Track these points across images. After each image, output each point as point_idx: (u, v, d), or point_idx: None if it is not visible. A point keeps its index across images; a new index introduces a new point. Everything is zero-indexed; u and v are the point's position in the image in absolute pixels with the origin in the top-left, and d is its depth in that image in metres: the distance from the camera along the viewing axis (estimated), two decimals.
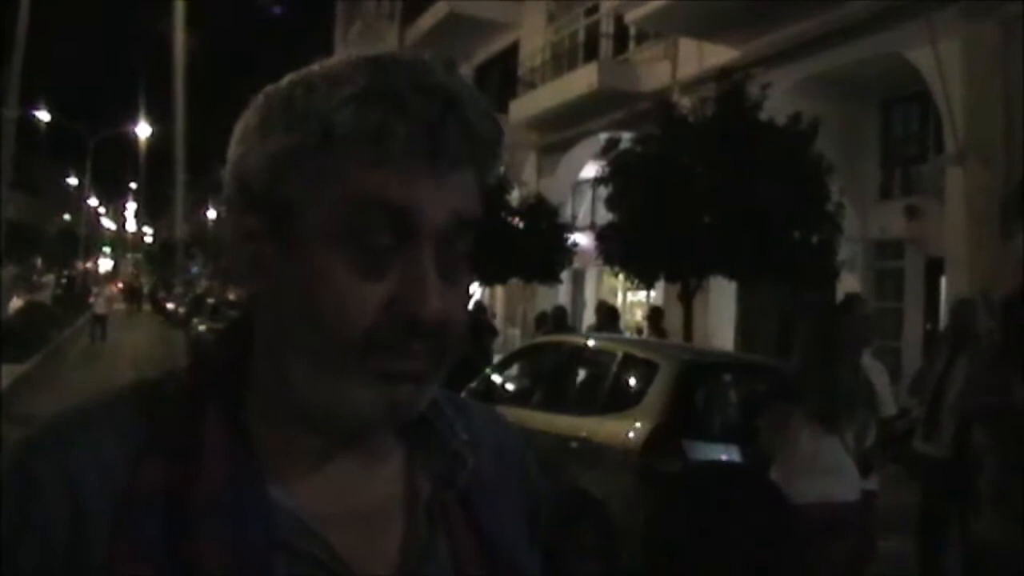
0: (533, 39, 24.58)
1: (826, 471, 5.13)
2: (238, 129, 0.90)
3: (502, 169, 0.97)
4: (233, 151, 0.90)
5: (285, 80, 0.89)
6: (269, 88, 0.90)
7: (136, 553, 0.82)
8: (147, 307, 62.76)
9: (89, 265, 74.67)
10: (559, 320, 13.11)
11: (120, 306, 53.89)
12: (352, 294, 0.84)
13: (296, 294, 0.86)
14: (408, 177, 0.84)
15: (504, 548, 0.99)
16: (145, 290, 73.52)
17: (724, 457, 6.48)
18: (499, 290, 23.30)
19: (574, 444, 6.95)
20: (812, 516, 4.98)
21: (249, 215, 0.89)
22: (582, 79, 19.77)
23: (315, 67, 0.89)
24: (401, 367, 0.86)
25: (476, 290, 19.70)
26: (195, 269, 79.35)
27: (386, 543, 0.93)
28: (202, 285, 63.60)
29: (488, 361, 10.56)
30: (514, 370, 9.40)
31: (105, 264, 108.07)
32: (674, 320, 12.93)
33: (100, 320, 29.19)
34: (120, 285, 77.01)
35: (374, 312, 0.84)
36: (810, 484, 5.07)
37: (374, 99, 0.83)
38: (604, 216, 13.79)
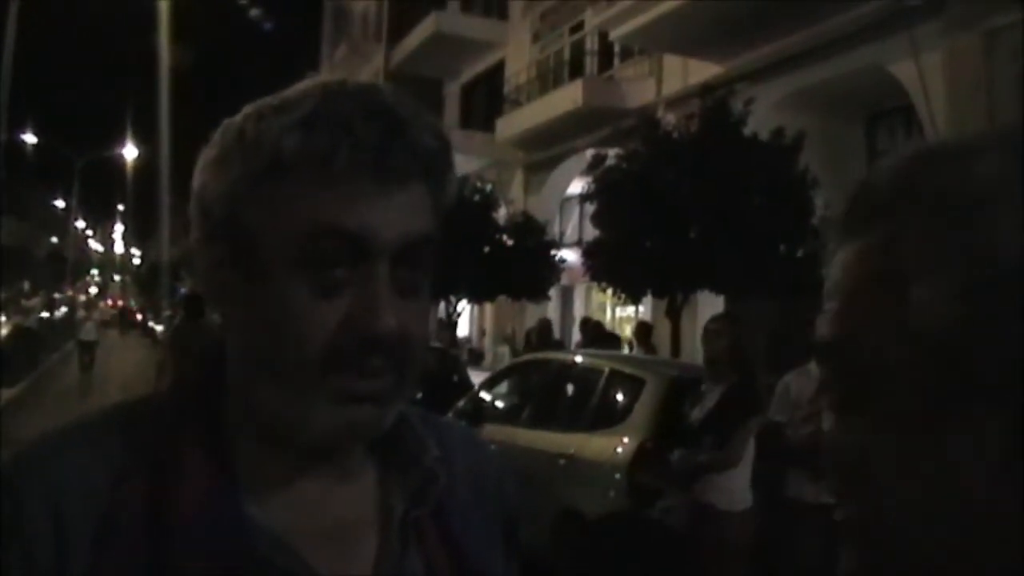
0: (518, 57, 24.63)
1: None
2: (200, 161, 0.93)
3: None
4: (195, 182, 0.92)
5: (241, 112, 0.91)
6: (227, 120, 0.92)
7: (116, 571, 0.84)
8: (135, 330, 62.37)
9: (73, 291, 74.02)
10: (544, 334, 13.04)
11: (113, 330, 53.55)
12: (309, 315, 0.86)
13: (259, 317, 0.88)
14: (356, 199, 0.86)
15: (478, 565, 1.01)
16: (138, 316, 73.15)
17: None
18: (488, 307, 23.30)
19: (562, 461, 6.96)
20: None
21: (213, 244, 0.91)
22: (567, 96, 19.78)
23: (269, 98, 0.91)
24: (361, 388, 0.87)
25: (464, 310, 19.64)
26: (183, 291, 78.69)
27: (360, 560, 0.95)
28: None
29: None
30: (503, 387, 9.39)
31: (93, 287, 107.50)
32: (663, 335, 12.93)
33: (88, 347, 26.58)
34: (113, 303, 76.34)
35: (331, 331, 0.86)
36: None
37: (320, 124, 0.85)
38: (591, 232, 13.79)
